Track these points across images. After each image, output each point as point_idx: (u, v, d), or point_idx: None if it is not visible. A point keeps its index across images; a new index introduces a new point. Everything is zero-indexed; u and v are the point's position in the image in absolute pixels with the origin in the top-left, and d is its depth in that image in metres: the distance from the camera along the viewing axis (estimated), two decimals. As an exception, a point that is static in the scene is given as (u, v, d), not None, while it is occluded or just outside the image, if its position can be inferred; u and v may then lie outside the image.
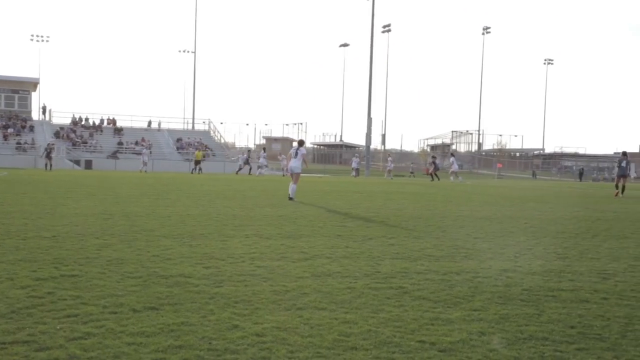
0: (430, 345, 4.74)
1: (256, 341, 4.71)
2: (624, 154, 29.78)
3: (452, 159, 49.73)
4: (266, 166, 54.47)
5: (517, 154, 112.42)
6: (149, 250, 8.71)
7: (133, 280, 6.71)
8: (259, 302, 5.89)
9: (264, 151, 56.59)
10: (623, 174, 28.75)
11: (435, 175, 47.14)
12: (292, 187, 19.40)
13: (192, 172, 51.75)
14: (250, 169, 53.14)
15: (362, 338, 4.87)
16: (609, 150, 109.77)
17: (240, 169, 54.23)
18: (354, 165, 61.02)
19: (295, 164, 19.88)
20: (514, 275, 7.61)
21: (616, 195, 28.20)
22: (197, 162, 52.96)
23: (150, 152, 60.50)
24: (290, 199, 18.99)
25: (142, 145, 65.79)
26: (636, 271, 8.18)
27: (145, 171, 51.63)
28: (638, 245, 10.75)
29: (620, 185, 28.57)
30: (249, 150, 60.97)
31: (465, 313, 5.71)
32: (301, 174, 20.50)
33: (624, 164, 28.69)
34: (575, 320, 5.59)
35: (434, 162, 49.57)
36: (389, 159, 60.13)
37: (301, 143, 21.19)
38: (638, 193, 33.10)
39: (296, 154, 20.01)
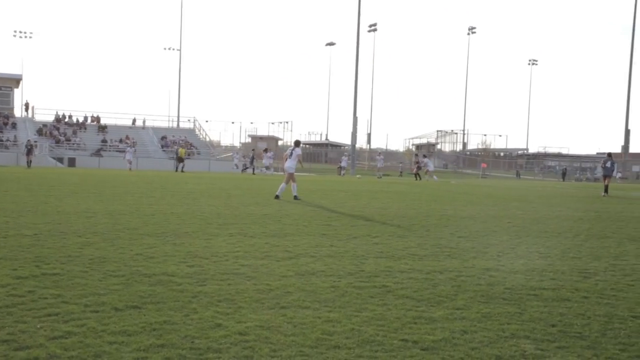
0: (412, 344, 4.76)
1: (239, 340, 4.70)
2: (609, 154, 30.08)
3: (425, 159, 50.64)
4: (267, 167, 54.48)
5: (502, 154, 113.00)
6: (132, 248, 8.67)
7: (115, 279, 6.67)
8: (242, 301, 5.89)
9: (266, 151, 56.64)
10: (608, 174, 29.10)
11: (418, 175, 47.99)
12: (282, 186, 19.54)
13: (176, 170, 51.62)
14: (254, 169, 53.00)
15: (345, 337, 4.87)
16: (592, 151, 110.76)
17: (245, 168, 54.21)
18: (343, 164, 61.25)
19: (289, 164, 19.98)
20: (497, 274, 7.65)
21: (605, 194, 28.52)
22: (181, 160, 52.80)
23: (135, 151, 60.17)
24: (277, 197, 19.08)
25: (126, 144, 65.46)
26: (616, 270, 8.25)
27: (130, 169, 51.39)
28: (619, 245, 10.85)
29: (605, 184, 28.95)
30: (253, 150, 60.99)
31: (448, 312, 5.74)
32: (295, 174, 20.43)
33: (608, 164, 29.00)
34: (557, 318, 5.63)
35: (417, 162, 50.35)
36: (380, 157, 60.15)
37: (297, 143, 21.22)
38: (620, 193, 33.37)
39: (291, 154, 20.10)
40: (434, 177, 47.47)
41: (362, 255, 8.78)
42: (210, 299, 5.91)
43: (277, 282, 6.80)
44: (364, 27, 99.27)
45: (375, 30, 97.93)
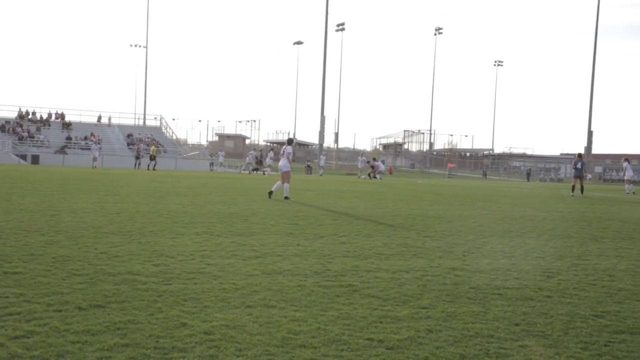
0: (378, 343, 4.78)
1: (204, 339, 4.68)
2: (580, 155, 30.65)
3: (378, 162, 52.91)
4: (270, 166, 54.38)
5: (468, 154, 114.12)
6: (96, 247, 8.57)
7: (79, 277, 6.59)
8: (208, 300, 5.85)
9: (272, 152, 56.52)
10: (579, 175, 29.55)
11: (373, 175, 49.58)
12: (277, 184, 19.64)
13: (148, 168, 51.36)
14: (264, 171, 52.75)
15: (311, 336, 4.88)
16: (556, 152, 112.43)
17: (253, 169, 53.96)
18: (322, 163, 61.54)
19: (282, 162, 19.99)
20: (462, 274, 7.72)
21: (572, 194, 29.20)
22: (152, 158, 52.66)
23: (100, 148, 59.44)
24: (270, 192, 19.34)
25: (92, 141, 64.65)
26: (579, 270, 8.39)
27: (95, 167, 50.80)
28: (581, 245, 11.03)
29: (577, 186, 29.53)
30: (261, 150, 60.53)
31: (413, 311, 5.78)
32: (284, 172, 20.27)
33: (579, 165, 29.45)
34: (520, 317, 5.70)
35: (372, 165, 52.34)
36: (361, 158, 60.42)
37: (289, 142, 21.06)
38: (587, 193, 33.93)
39: (283, 153, 20.14)
40: (377, 176, 49.61)
41: (329, 255, 8.80)
42: (176, 298, 5.87)
43: (244, 281, 6.78)
44: (332, 27, 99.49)
45: (343, 29, 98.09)
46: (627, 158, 38.71)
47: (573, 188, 30.04)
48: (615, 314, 6.01)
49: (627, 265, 9.01)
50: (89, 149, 57.77)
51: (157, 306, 5.55)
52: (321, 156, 64.53)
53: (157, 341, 4.59)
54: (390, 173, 74.54)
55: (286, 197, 19.04)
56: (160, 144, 71.25)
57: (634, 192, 36.05)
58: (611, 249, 10.70)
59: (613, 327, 5.51)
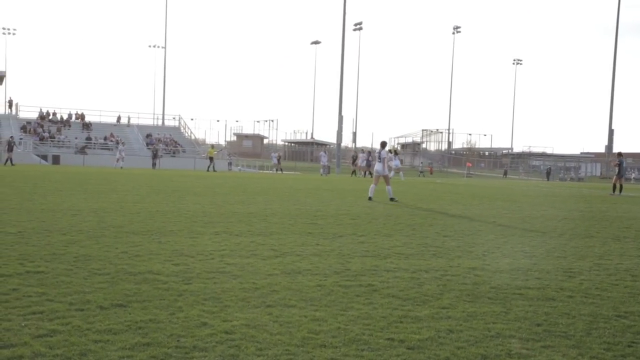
0: (399, 343, 4.76)
1: (225, 339, 4.69)
2: (620, 154, 30.57)
3: (391, 155, 52.43)
4: (327, 165, 54.51)
5: (486, 153, 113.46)
6: (117, 246, 8.63)
7: (100, 277, 6.63)
8: (228, 300, 5.87)
9: (325, 152, 56.85)
10: (621, 174, 29.82)
11: (369, 172, 49.51)
12: (371, 187, 20.12)
13: (207, 170, 51.77)
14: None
15: (332, 335, 4.87)
16: (576, 150, 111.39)
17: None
18: (378, 164, 60.76)
19: (378, 166, 20.64)
20: (482, 274, 7.68)
21: (614, 192, 29.58)
22: (211, 159, 53.09)
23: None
24: (370, 199, 19.69)
25: (112, 141, 65.05)
26: (601, 269, 8.31)
27: (122, 167, 51.07)
28: (603, 244, 10.93)
29: (618, 184, 29.69)
30: (362, 152, 60.48)
31: (433, 311, 5.75)
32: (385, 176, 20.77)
33: (624, 164, 29.64)
34: (542, 318, 5.66)
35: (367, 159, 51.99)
36: (393, 155, 59.97)
37: (383, 145, 21.47)
38: (602, 192, 33.60)
39: (379, 156, 20.53)
40: (392, 173, 49.38)
41: (348, 254, 8.78)
42: (196, 298, 5.89)
43: (263, 280, 6.79)
44: (350, 26, 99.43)
45: (360, 29, 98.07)
46: None
47: (614, 187, 30.24)
48: (639, 314, 5.94)
49: (650, 265, 8.90)
50: (110, 149, 58.03)
51: (177, 305, 5.58)
52: (360, 154, 63.61)
53: (178, 340, 4.61)
54: (431, 173, 74.14)
55: (392, 199, 19.68)
56: (178, 144, 71.60)
57: None
58: (634, 248, 10.58)
59: (636, 328, 5.45)
